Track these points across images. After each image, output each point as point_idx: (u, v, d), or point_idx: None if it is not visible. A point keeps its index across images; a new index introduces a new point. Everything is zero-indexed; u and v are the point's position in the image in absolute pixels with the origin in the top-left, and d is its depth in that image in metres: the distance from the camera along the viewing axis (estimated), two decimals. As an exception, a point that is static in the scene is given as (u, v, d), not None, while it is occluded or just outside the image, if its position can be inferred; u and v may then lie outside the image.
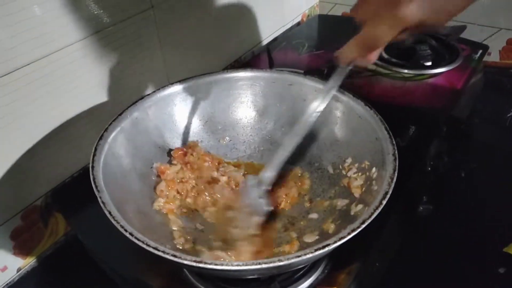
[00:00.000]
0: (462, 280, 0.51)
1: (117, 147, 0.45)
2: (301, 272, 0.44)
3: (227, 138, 0.56)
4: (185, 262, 0.32)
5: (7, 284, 0.54)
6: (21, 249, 0.54)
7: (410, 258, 0.53)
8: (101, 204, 0.37)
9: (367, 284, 0.47)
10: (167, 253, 0.33)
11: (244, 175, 0.52)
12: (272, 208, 0.46)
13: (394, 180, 0.38)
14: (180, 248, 0.42)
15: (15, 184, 0.51)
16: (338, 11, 1.04)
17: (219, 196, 0.49)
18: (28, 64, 0.47)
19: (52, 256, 0.57)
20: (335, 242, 0.33)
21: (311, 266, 0.44)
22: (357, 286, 0.44)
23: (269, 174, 0.45)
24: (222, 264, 0.32)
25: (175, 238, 0.43)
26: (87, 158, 0.42)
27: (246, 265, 0.32)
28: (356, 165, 0.47)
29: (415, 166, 0.56)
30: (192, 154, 0.50)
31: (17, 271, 0.55)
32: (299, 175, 0.52)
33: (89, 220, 0.50)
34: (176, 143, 0.53)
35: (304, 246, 0.42)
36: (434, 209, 0.56)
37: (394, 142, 0.42)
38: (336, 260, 0.45)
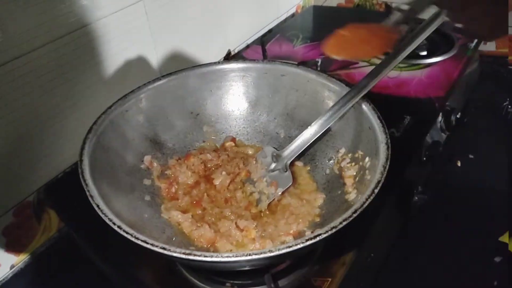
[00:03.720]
0: (458, 269, 0.51)
1: (107, 140, 0.44)
2: (295, 263, 0.43)
3: (220, 130, 0.55)
4: (174, 254, 0.32)
5: (0, 281, 0.54)
6: (14, 246, 0.54)
7: (405, 248, 0.52)
8: (89, 198, 0.36)
9: (362, 274, 0.47)
10: (156, 246, 0.32)
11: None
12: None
13: (387, 169, 0.38)
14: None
15: (7, 180, 0.50)
16: (333, 2, 1.03)
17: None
18: (17, 58, 0.47)
19: (45, 252, 0.57)
20: (327, 232, 0.33)
21: (305, 257, 0.44)
22: (352, 277, 0.44)
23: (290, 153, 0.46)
24: (211, 256, 0.32)
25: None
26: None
27: (236, 256, 0.32)
28: (350, 155, 0.47)
29: (410, 156, 0.56)
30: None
31: (11, 268, 0.54)
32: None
33: (82, 215, 0.49)
34: (168, 136, 0.52)
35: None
36: (429, 199, 0.55)
37: (387, 131, 0.42)
38: (331, 250, 0.45)
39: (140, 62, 0.63)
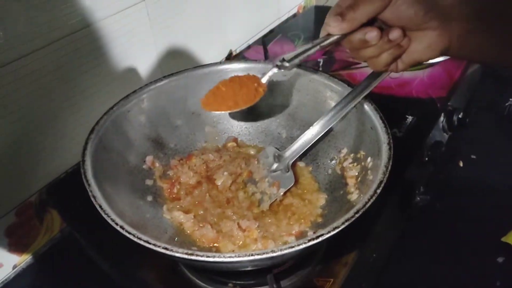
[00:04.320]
0: (460, 270, 0.51)
1: (109, 141, 0.44)
2: (298, 264, 0.43)
3: (222, 130, 0.55)
4: (177, 254, 0.32)
5: (3, 281, 0.54)
6: (16, 246, 0.54)
7: (407, 249, 0.52)
8: (92, 198, 0.36)
9: (364, 275, 0.47)
10: (158, 246, 0.32)
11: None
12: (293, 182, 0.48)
13: (389, 169, 0.38)
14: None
15: (9, 181, 0.50)
16: (335, 2, 1.03)
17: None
18: (18, 59, 0.47)
19: (48, 252, 0.57)
20: (329, 232, 0.33)
21: (308, 257, 0.44)
22: (354, 277, 0.44)
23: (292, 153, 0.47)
24: (214, 256, 0.32)
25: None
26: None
27: (239, 256, 0.32)
28: (352, 155, 0.47)
29: (412, 156, 0.56)
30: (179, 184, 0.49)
31: (13, 268, 0.54)
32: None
33: (84, 216, 0.49)
34: (170, 136, 0.52)
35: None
36: (431, 199, 0.55)
37: (389, 131, 0.41)
38: (333, 251, 0.45)
39: (141, 63, 0.63)
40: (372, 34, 0.34)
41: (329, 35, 0.36)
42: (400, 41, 0.35)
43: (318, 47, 0.36)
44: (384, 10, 0.34)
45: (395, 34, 0.35)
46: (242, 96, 0.42)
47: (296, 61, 0.37)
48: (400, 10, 0.34)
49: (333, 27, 0.35)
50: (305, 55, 0.37)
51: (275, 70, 0.38)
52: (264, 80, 0.42)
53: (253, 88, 0.42)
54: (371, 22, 0.35)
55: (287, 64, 0.37)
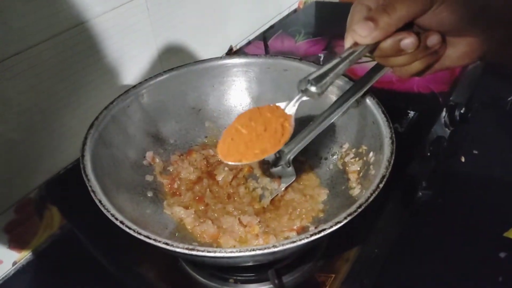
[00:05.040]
0: (462, 265, 0.50)
1: (108, 136, 0.44)
2: (299, 259, 0.43)
3: (222, 126, 0.55)
4: (177, 250, 0.31)
5: (3, 278, 0.53)
6: (16, 243, 0.54)
7: (410, 244, 0.52)
8: (91, 193, 0.36)
9: (366, 271, 0.46)
10: (159, 241, 0.32)
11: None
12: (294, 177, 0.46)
13: (391, 163, 0.37)
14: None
15: (8, 177, 0.50)
16: (335, -3, 1.02)
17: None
18: (17, 54, 0.46)
19: (48, 249, 0.57)
20: (331, 227, 0.32)
21: (309, 253, 0.44)
22: (355, 273, 0.43)
23: (293, 148, 0.45)
24: (215, 251, 0.31)
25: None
26: (80, 148, 0.41)
27: (240, 251, 0.31)
28: (354, 150, 0.46)
29: (414, 151, 0.55)
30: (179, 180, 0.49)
31: (13, 265, 0.54)
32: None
33: (84, 212, 0.49)
34: (169, 131, 0.52)
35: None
36: (433, 195, 0.55)
37: (391, 126, 0.41)
38: (335, 246, 0.45)
39: (141, 58, 0.63)
40: (408, 41, 0.30)
41: (356, 45, 0.31)
42: (438, 48, 0.31)
43: (347, 61, 0.31)
44: (424, 13, 0.29)
45: (434, 40, 0.30)
46: (268, 138, 0.35)
47: (326, 82, 0.32)
48: (443, 15, 0.29)
49: (364, 37, 0.30)
50: (334, 72, 0.32)
51: (303, 97, 0.33)
52: (289, 111, 0.36)
53: (279, 124, 0.36)
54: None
55: (314, 90, 0.31)
